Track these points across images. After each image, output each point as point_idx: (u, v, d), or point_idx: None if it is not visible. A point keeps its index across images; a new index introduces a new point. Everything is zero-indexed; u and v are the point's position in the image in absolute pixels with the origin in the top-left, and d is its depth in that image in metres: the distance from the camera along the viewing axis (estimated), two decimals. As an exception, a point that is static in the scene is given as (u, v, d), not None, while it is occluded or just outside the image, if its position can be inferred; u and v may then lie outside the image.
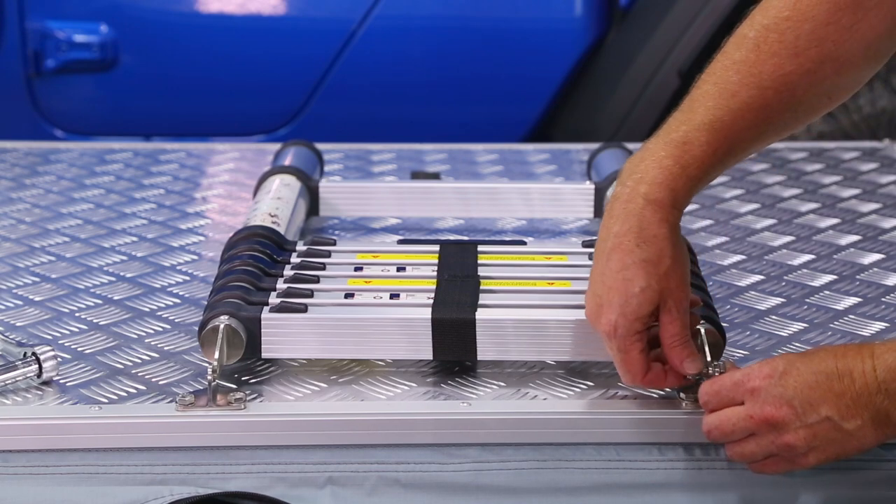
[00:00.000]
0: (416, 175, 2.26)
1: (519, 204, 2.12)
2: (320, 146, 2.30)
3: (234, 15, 3.39)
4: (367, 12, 3.34)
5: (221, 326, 1.53)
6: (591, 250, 1.75)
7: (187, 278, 1.89)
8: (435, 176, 2.26)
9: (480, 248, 1.76)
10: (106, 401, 1.50)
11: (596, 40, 3.41)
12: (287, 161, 2.17)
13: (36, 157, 2.52)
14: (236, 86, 3.40)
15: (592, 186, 2.10)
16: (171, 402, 1.49)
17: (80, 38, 3.33)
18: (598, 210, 2.09)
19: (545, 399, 1.51)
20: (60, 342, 1.66)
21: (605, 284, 1.42)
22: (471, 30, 3.40)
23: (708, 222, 2.16)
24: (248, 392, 1.50)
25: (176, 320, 1.74)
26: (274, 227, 1.83)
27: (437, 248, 1.76)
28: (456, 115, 3.44)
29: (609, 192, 2.05)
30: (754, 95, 1.44)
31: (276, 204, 1.95)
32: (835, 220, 2.16)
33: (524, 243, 1.81)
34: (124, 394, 1.52)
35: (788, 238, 2.08)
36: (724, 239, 2.07)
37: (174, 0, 3.39)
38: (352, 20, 3.35)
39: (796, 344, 1.66)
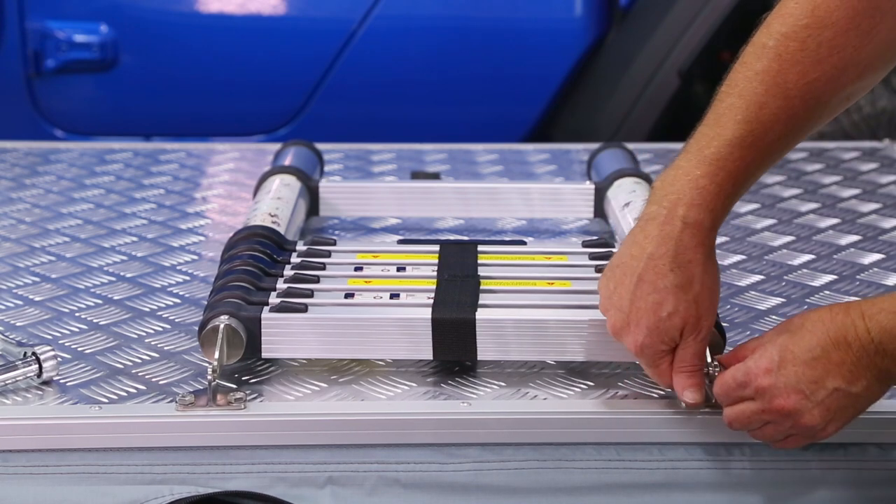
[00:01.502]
0: (416, 175, 2.25)
1: (519, 204, 2.12)
2: (320, 146, 2.30)
3: (235, 15, 3.39)
4: (367, 12, 3.35)
5: (221, 326, 1.52)
6: (592, 250, 1.75)
7: (187, 278, 1.89)
8: (435, 176, 2.25)
9: (480, 248, 1.76)
10: (106, 401, 1.49)
11: (596, 40, 3.41)
12: (287, 161, 2.17)
13: (36, 157, 2.52)
14: (236, 86, 3.40)
15: (592, 186, 2.10)
16: (171, 402, 1.49)
17: (80, 38, 3.33)
18: (598, 210, 2.08)
19: (545, 399, 1.51)
20: (60, 342, 1.66)
21: (634, 304, 1.42)
22: (471, 30, 3.40)
23: (708, 222, 2.16)
24: (248, 392, 1.50)
25: (176, 320, 1.74)
26: (274, 227, 1.83)
27: (437, 248, 1.76)
28: (456, 115, 3.44)
29: (609, 193, 2.05)
30: (782, 106, 1.43)
31: (276, 204, 1.94)
32: (835, 220, 2.16)
33: (524, 243, 1.81)
34: (124, 394, 1.51)
35: (788, 238, 2.08)
36: (724, 239, 2.07)
37: (174, 0, 3.39)
38: (352, 20, 3.35)
39: (796, 344, 1.66)
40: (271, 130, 3.42)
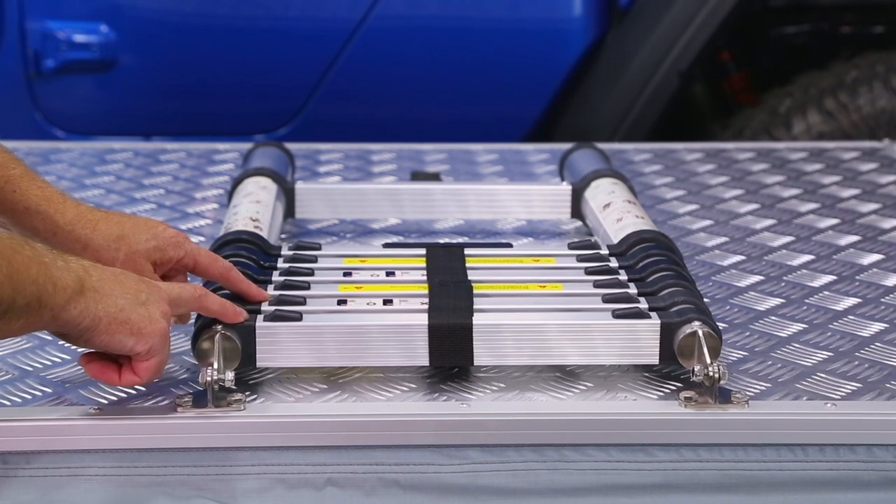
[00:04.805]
0: (417, 175, 2.25)
1: (491, 205, 2.11)
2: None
3: (234, 15, 3.39)
4: (367, 13, 3.35)
5: (217, 336, 1.50)
6: (579, 252, 1.75)
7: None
8: (435, 176, 2.25)
9: (467, 251, 1.75)
10: (106, 401, 1.50)
11: (596, 40, 3.41)
12: (259, 163, 2.15)
13: (36, 157, 2.52)
14: (236, 86, 3.40)
15: (570, 188, 2.09)
16: (170, 403, 1.49)
17: (80, 38, 3.33)
18: (575, 211, 2.09)
19: (544, 400, 1.51)
20: (60, 342, 1.65)
21: None
22: (471, 30, 3.41)
23: (708, 222, 2.16)
24: (247, 393, 1.50)
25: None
26: (257, 231, 1.80)
27: (423, 251, 1.75)
28: (456, 115, 3.44)
29: (587, 194, 2.05)
30: None
31: (257, 208, 1.92)
32: (835, 220, 2.16)
33: (510, 246, 1.81)
34: (124, 394, 1.51)
35: (788, 238, 2.08)
36: (724, 239, 2.07)
37: (174, 0, 3.39)
38: (351, 20, 3.35)
39: (795, 344, 1.66)
40: (271, 130, 3.42)
